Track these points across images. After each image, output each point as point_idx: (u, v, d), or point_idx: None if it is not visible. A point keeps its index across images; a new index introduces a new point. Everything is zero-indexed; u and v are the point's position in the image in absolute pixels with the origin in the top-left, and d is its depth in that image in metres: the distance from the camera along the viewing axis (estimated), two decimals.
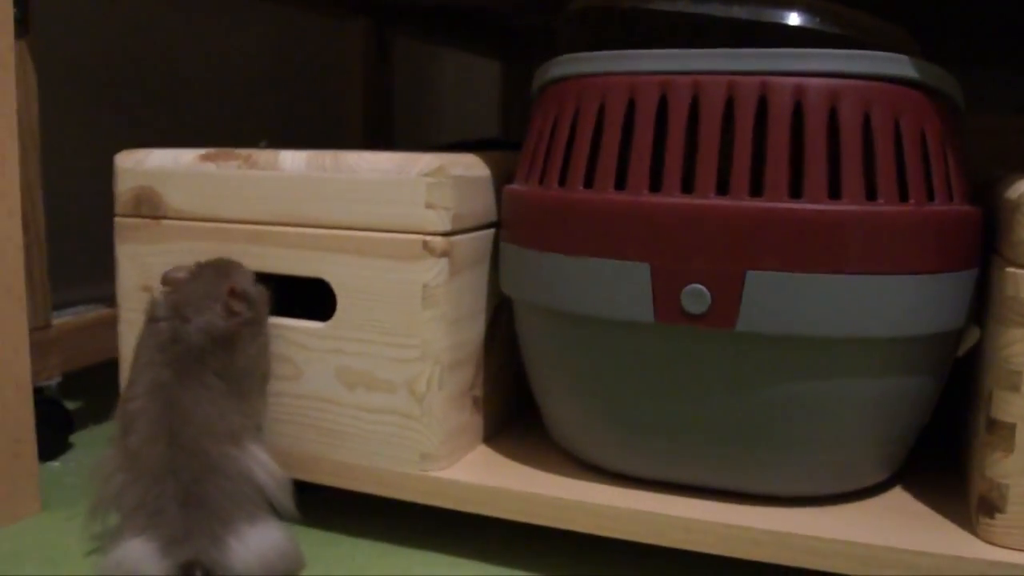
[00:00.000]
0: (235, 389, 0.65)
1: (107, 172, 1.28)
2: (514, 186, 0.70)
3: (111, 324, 0.96)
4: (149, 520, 0.60)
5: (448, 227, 0.67)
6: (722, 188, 0.59)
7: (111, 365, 0.92)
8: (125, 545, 0.60)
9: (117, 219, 0.78)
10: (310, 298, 0.73)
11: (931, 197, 0.60)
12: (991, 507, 0.59)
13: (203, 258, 0.72)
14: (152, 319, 0.66)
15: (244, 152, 0.73)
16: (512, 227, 0.69)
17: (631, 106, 0.62)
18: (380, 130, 1.51)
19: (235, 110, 1.54)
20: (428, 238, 0.66)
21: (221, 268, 0.70)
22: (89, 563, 0.69)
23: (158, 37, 1.38)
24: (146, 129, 1.37)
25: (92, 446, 0.94)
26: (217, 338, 0.65)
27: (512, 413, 0.82)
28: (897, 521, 0.63)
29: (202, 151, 0.75)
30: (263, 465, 0.64)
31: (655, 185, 0.61)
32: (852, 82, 0.59)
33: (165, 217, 0.76)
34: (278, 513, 0.64)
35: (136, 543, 0.59)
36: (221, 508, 0.61)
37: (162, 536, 0.59)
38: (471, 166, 0.70)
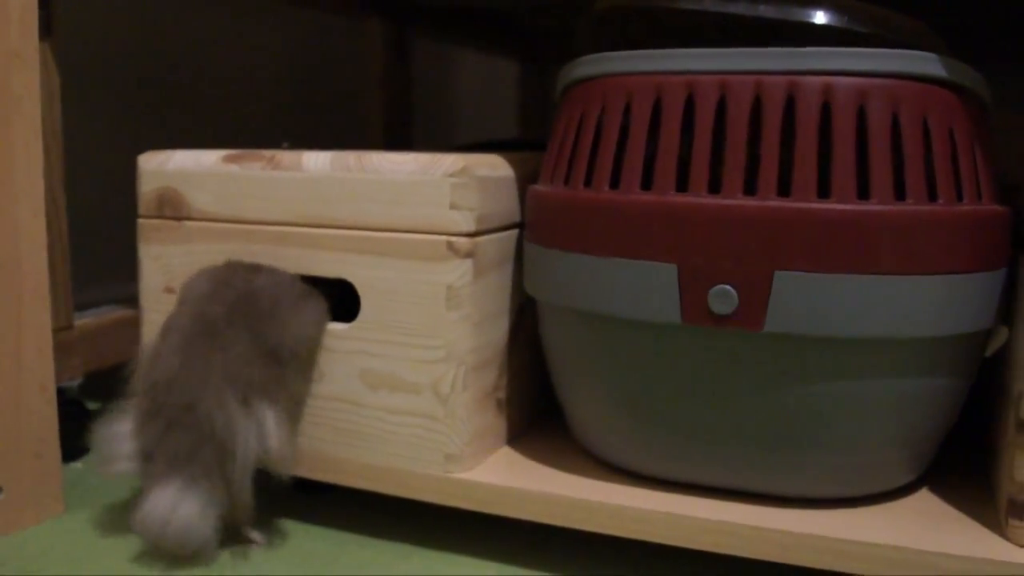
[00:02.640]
0: (272, 355, 0.67)
1: (129, 173, 1.29)
2: (538, 186, 0.70)
3: (133, 325, 0.96)
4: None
5: (473, 228, 0.67)
6: (749, 188, 0.59)
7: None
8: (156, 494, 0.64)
9: (140, 220, 0.78)
10: (334, 300, 0.73)
11: (960, 197, 0.60)
12: (1020, 509, 0.59)
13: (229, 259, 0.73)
14: (228, 263, 0.71)
15: (268, 153, 0.73)
16: (536, 228, 0.68)
17: (657, 106, 0.62)
18: (399, 130, 1.51)
19: (254, 110, 1.55)
20: (453, 239, 0.66)
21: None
22: (112, 563, 0.69)
23: (179, 38, 1.38)
24: (165, 129, 1.37)
25: None
26: (285, 288, 0.68)
27: (535, 414, 0.82)
28: (925, 523, 0.62)
29: (225, 152, 0.75)
30: (262, 429, 0.65)
31: (682, 185, 0.61)
32: (880, 81, 0.58)
33: (188, 218, 0.76)
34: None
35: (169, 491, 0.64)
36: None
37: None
38: (495, 166, 0.70)
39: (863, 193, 0.58)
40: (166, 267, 0.77)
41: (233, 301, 0.67)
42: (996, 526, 0.62)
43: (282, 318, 0.67)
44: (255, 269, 0.70)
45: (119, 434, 0.67)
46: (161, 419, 0.64)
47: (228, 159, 0.74)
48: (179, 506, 0.63)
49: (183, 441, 0.63)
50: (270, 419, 0.65)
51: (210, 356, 0.65)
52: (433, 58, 2.02)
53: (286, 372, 0.68)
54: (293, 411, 0.70)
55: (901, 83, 0.59)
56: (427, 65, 1.99)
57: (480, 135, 2.15)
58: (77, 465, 0.89)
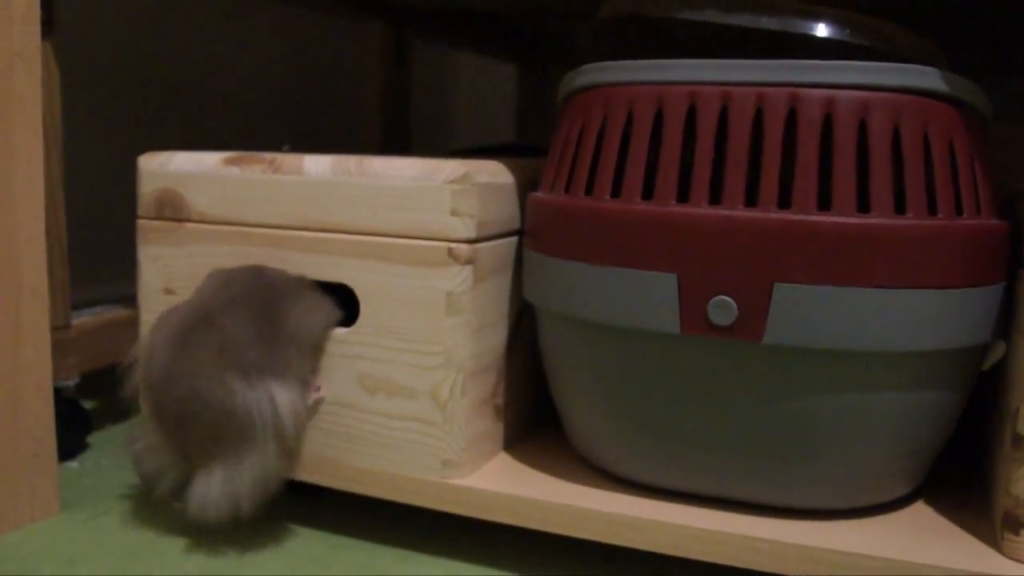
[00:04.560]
0: (273, 340, 0.67)
1: (128, 173, 1.29)
2: (539, 194, 0.70)
3: (130, 325, 0.96)
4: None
5: (473, 234, 0.67)
6: (750, 200, 0.59)
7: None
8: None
9: (140, 221, 0.78)
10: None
11: (960, 211, 0.60)
12: (1016, 523, 0.59)
13: (226, 262, 0.73)
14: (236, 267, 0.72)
15: (268, 156, 0.73)
16: (537, 235, 0.69)
17: (659, 115, 0.62)
18: (397, 133, 1.51)
19: (253, 112, 1.55)
20: (453, 245, 0.66)
21: None
22: (108, 563, 0.69)
23: (180, 40, 1.38)
24: (165, 130, 1.37)
25: (110, 447, 0.94)
26: (287, 283, 0.70)
27: (533, 421, 0.82)
28: (921, 536, 0.63)
29: (225, 154, 0.75)
30: (272, 401, 0.66)
31: (683, 196, 0.61)
32: (882, 94, 0.59)
33: (188, 220, 0.76)
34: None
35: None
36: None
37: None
38: (496, 173, 0.70)
39: (863, 206, 0.58)
40: (165, 268, 0.77)
41: (234, 295, 0.68)
42: (992, 540, 0.62)
43: (283, 307, 0.68)
44: (260, 269, 0.71)
45: (143, 453, 0.68)
46: (171, 414, 0.65)
47: (228, 161, 0.74)
48: (234, 479, 0.65)
49: (200, 429, 0.64)
50: (278, 392, 0.66)
51: (204, 343, 0.65)
52: (431, 61, 2.02)
53: (290, 355, 0.68)
54: (302, 391, 0.70)
55: (902, 97, 0.59)
56: (425, 68, 1.99)
57: (478, 138, 2.15)
58: (73, 464, 0.89)
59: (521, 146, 1.24)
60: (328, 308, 0.71)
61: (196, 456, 0.65)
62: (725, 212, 0.59)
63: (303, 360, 0.70)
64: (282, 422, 0.65)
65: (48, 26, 0.83)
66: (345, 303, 0.71)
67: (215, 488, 0.65)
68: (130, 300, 1.02)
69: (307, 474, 0.73)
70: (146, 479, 0.69)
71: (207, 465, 0.65)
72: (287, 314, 0.68)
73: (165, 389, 0.64)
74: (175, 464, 0.67)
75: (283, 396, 0.65)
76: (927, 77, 0.59)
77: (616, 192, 0.63)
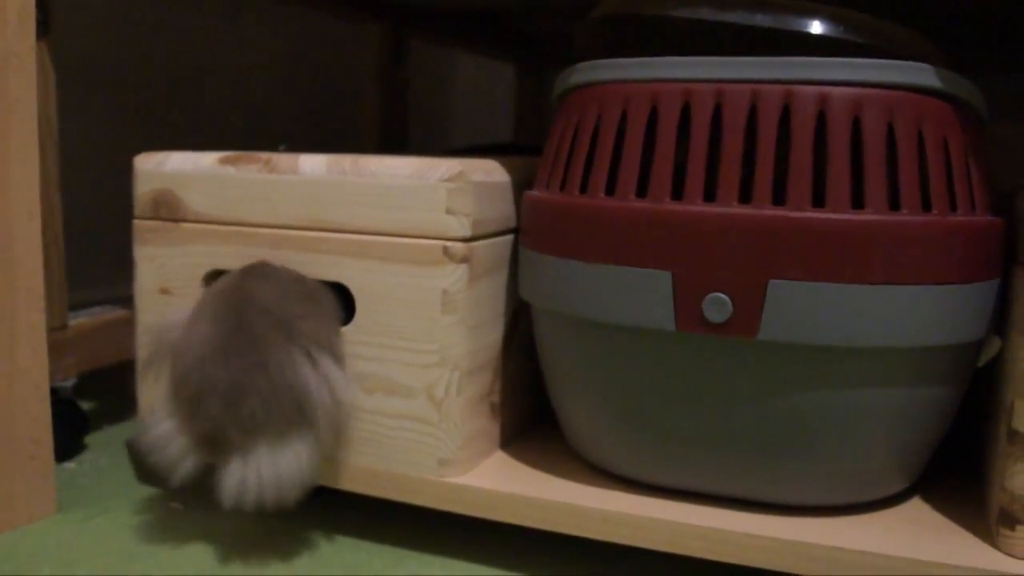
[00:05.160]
0: (318, 319, 0.68)
1: (125, 174, 1.29)
2: (534, 192, 0.70)
3: (127, 325, 0.96)
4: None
5: (468, 233, 0.67)
6: (744, 197, 0.59)
7: (127, 366, 0.92)
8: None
9: (136, 221, 0.78)
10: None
11: (954, 207, 0.60)
12: (1011, 519, 0.59)
13: (222, 262, 0.73)
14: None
15: (264, 155, 0.73)
16: (532, 233, 0.69)
17: (654, 113, 0.62)
18: (395, 133, 1.51)
19: (252, 112, 1.55)
20: (448, 244, 0.66)
21: None
22: (105, 563, 0.69)
23: (176, 39, 1.38)
24: (162, 131, 1.37)
25: (107, 447, 0.94)
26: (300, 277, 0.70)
27: (529, 419, 0.82)
28: (917, 532, 0.63)
29: (221, 154, 0.75)
30: (329, 381, 0.66)
31: (677, 193, 0.61)
32: (876, 91, 0.59)
33: (184, 220, 0.76)
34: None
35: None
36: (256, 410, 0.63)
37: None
38: (491, 172, 0.70)
39: (857, 203, 0.58)
40: (161, 268, 0.77)
41: (268, 276, 0.68)
42: (987, 535, 0.62)
43: (321, 290, 0.69)
44: (269, 265, 0.71)
45: (161, 438, 0.66)
46: (219, 387, 0.63)
47: (224, 161, 0.74)
48: (279, 462, 0.63)
49: (255, 402, 0.63)
50: (334, 370, 0.66)
51: (259, 316, 0.65)
52: (429, 61, 2.02)
53: (338, 338, 0.69)
54: (350, 378, 0.70)
55: (896, 94, 0.59)
56: (423, 68, 1.99)
57: (475, 138, 2.15)
58: (70, 465, 0.89)
59: (518, 145, 1.24)
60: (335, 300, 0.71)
61: (237, 438, 0.63)
62: (720, 209, 0.59)
63: (343, 345, 0.70)
64: (339, 404, 0.65)
65: (44, 26, 0.83)
66: (341, 303, 0.71)
67: (256, 474, 0.63)
68: (127, 301, 1.02)
69: None
70: (153, 471, 0.67)
71: (247, 449, 0.63)
72: (325, 298, 0.69)
73: (213, 360, 0.63)
74: (192, 453, 0.65)
75: (340, 380, 0.66)
76: (921, 74, 0.59)
77: (611, 190, 0.63)
